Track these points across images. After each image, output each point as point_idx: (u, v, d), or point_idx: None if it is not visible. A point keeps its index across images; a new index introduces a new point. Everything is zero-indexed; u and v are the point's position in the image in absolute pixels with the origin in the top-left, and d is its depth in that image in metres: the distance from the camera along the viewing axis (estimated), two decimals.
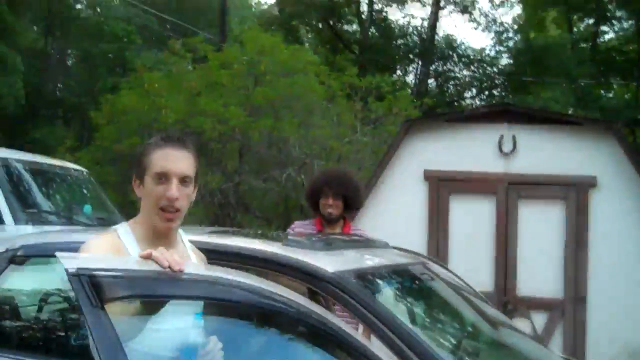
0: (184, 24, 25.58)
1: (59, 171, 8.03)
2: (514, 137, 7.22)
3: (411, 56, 24.55)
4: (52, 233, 4.15)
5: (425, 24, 24.07)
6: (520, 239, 7.11)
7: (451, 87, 24.93)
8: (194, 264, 2.47)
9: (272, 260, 2.83)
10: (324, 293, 2.73)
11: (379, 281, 3.09)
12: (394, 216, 7.37)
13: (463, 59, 24.42)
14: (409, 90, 24.15)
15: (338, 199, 4.45)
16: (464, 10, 25.00)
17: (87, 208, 7.47)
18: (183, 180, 2.43)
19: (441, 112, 11.20)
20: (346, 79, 12.66)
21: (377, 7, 24.24)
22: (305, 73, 11.97)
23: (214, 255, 2.75)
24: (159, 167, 2.40)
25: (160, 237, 2.46)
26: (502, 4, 25.58)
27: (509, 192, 7.17)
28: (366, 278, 2.91)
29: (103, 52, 29.92)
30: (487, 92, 24.44)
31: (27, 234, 4.29)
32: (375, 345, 2.55)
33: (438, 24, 23.84)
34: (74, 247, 2.65)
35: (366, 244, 3.84)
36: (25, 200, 7.06)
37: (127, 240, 2.44)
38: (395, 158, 7.49)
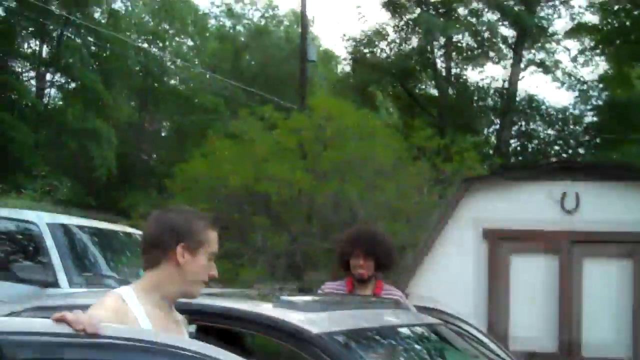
0: (267, 95, 26.37)
1: (119, 236, 8.32)
2: (576, 194, 7.04)
3: (492, 116, 24.34)
4: (66, 296, 4.20)
5: (506, 84, 23.92)
6: (584, 297, 6.87)
7: (534, 146, 24.47)
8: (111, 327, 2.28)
9: (256, 321, 2.85)
10: (305, 354, 2.68)
11: (369, 342, 3.02)
12: (453, 275, 7.26)
13: (545, 118, 24.04)
14: (490, 150, 23.98)
15: (369, 259, 4.31)
16: (546, 70, 24.69)
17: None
18: None
19: (500, 170, 11.01)
20: (415, 140, 12.71)
21: (454, 70, 24.31)
22: (373, 137, 12.10)
23: (199, 315, 2.78)
24: (215, 248, 2.58)
25: (171, 304, 2.57)
26: (585, 64, 25.16)
27: (573, 249, 6.96)
28: (354, 339, 2.86)
29: (193, 122, 31.15)
30: (570, 150, 23.88)
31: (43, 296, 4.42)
32: None
33: (519, 83, 23.65)
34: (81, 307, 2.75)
35: (379, 305, 3.77)
36: (82, 264, 7.34)
37: (133, 303, 2.46)
38: (453, 216, 7.41)
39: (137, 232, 8.59)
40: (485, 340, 4.72)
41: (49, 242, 7.19)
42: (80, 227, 7.94)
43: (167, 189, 13.80)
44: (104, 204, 26.66)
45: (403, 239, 10.76)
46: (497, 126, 24.36)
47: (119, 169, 29.15)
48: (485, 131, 25.15)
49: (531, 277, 7.05)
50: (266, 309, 2.92)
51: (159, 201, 15.71)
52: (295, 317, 2.80)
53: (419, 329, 3.53)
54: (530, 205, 7.15)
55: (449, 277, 7.23)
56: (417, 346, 3.42)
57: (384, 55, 23.88)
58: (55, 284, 6.87)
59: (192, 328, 2.84)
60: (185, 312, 2.67)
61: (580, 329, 6.80)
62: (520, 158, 23.87)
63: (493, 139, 24.85)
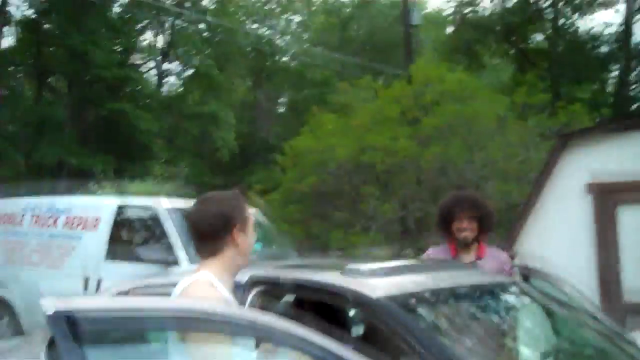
0: (375, 64, 26.40)
1: None
2: None
3: (608, 63, 23.25)
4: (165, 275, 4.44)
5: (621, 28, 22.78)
6: None
7: None
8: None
9: (322, 289, 3.08)
10: (367, 316, 2.90)
11: (430, 304, 3.17)
12: (560, 232, 7.24)
13: None
14: (611, 99, 22.99)
15: (473, 221, 4.37)
16: None
17: (258, 245, 8.14)
18: None
19: (598, 122, 10.64)
20: (518, 98, 12.50)
21: (561, 20, 23.34)
22: (474, 98, 12.00)
23: (272, 286, 3.05)
24: (252, 220, 2.85)
25: (232, 277, 2.82)
26: None
27: None
28: (414, 301, 3.03)
29: (306, 97, 31.67)
30: None
31: None
32: None
33: (634, 26, 22.43)
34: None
35: (449, 266, 3.89)
36: None
37: (220, 287, 2.70)
38: (555, 173, 7.37)
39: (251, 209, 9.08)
40: (579, 299, 4.72)
41: (168, 225, 7.79)
42: None
43: (278, 165, 14.32)
44: (229, 183, 27.78)
45: (514, 197, 10.71)
46: (616, 73, 23.26)
47: (240, 148, 30.17)
48: (602, 80, 24.00)
49: (639, 227, 6.92)
50: (331, 277, 3.16)
51: (277, 177, 16.22)
52: (356, 283, 3.02)
53: (488, 290, 3.63)
54: (632, 155, 7.00)
55: (555, 233, 7.23)
56: (483, 306, 3.53)
57: (488, 12, 23.33)
58: (176, 263, 7.45)
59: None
60: (260, 283, 2.97)
61: None
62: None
63: (610, 88, 23.77)
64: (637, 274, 6.87)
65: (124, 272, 7.33)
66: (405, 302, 3.01)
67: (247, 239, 2.78)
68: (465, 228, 4.36)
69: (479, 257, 4.41)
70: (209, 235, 2.74)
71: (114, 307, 2.23)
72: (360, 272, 3.16)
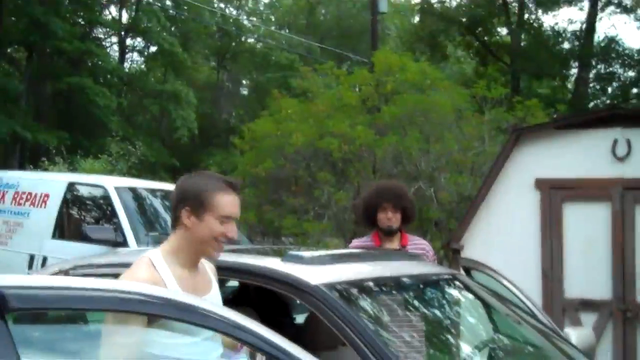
0: (340, 50, 26.39)
1: None
2: (628, 141, 6.95)
3: (569, 60, 23.56)
4: (110, 254, 4.42)
5: (583, 27, 23.10)
6: (638, 244, 6.81)
7: (613, 89, 23.60)
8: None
9: (261, 274, 3.07)
10: (307, 304, 2.90)
11: (371, 292, 3.18)
12: (507, 226, 7.34)
13: (626, 60, 23.10)
14: (570, 95, 23.33)
15: (397, 211, 4.50)
16: (626, 10, 23.64)
17: None
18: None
19: (551, 119, 10.77)
20: (478, 91, 12.60)
21: (526, 16, 23.57)
22: (434, 89, 12.09)
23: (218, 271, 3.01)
24: (227, 212, 2.67)
25: (193, 264, 2.72)
26: None
27: (625, 197, 6.89)
28: (354, 289, 3.05)
29: (270, 80, 31.52)
30: None
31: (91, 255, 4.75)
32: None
33: (597, 25, 22.79)
34: (119, 265, 3.04)
35: (393, 256, 3.92)
36: (149, 224, 7.82)
37: (160, 265, 2.66)
38: (505, 167, 7.45)
39: None
40: (517, 292, 4.80)
41: (117, 205, 7.71)
42: (148, 190, 8.43)
43: (236, 148, 14.26)
44: (187, 165, 27.61)
45: (467, 190, 10.83)
46: (575, 70, 23.61)
47: (201, 130, 29.93)
48: (563, 77, 24.33)
49: (584, 225, 7.04)
50: (272, 263, 3.15)
51: (236, 160, 16.14)
52: (297, 270, 3.02)
53: (427, 280, 3.67)
54: (581, 153, 7.11)
55: (503, 227, 7.31)
56: (421, 296, 3.58)
57: (454, 4, 23.47)
58: (124, 244, 7.38)
59: None
60: None
61: (635, 276, 6.76)
62: (598, 101, 23.10)
63: (570, 85, 24.13)
64: (580, 270, 7.00)
65: (71, 251, 7.22)
66: (345, 291, 3.01)
67: (201, 227, 2.66)
68: (390, 218, 4.48)
69: (402, 246, 4.54)
70: (171, 207, 2.76)
71: (44, 285, 2.17)
72: (301, 259, 3.16)
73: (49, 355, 2.37)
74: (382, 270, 3.50)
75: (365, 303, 3.11)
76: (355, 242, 4.79)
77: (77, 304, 2.18)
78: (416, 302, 3.52)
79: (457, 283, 3.84)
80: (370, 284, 3.25)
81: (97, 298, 2.18)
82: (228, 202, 2.68)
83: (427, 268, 3.94)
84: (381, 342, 2.79)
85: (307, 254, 3.26)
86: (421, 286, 3.63)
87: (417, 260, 4.05)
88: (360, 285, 3.17)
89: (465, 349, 3.68)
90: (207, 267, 2.88)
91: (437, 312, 3.67)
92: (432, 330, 3.50)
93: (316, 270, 3.06)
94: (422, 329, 3.45)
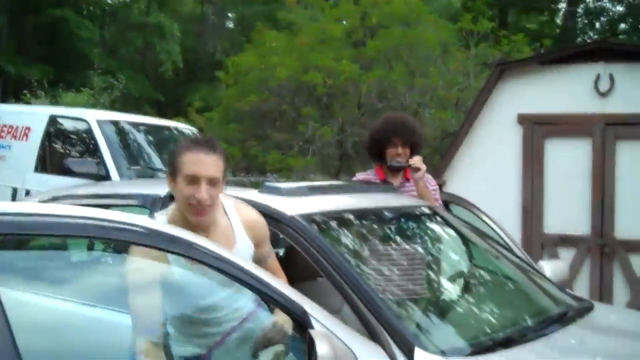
0: None
1: (168, 131, 8.74)
2: (610, 76, 6.95)
3: None
4: (90, 185, 4.44)
5: None
6: (617, 180, 6.89)
7: (601, 24, 23.38)
8: None
9: None
10: (284, 235, 2.90)
11: (347, 225, 3.18)
12: (489, 161, 7.38)
13: None
14: (558, 30, 23.09)
15: (407, 147, 4.30)
16: None
17: None
18: (211, 182, 2.59)
19: (535, 54, 10.68)
20: (463, 25, 12.46)
21: None
22: (420, 23, 11.94)
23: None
24: (191, 170, 2.57)
25: (195, 228, 2.61)
26: None
27: (606, 132, 6.93)
28: (331, 221, 3.05)
29: (256, 13, 30.88)
30: None
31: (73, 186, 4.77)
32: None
33: None
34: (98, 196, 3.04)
35: (372, 189, 3.94)
36: (132, 158, 7.82)
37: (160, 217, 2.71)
38: (488, 103, 7.45)
39: (188, 128, 8.97)
40: (494, 226, 4.87)
41: (99, 138, 7.68)
42: (131, 124, 8.40)
43: (221, 82, 14.13)
44: (172, 99, 27.34)
45: (451, 126, 10.83)
46: (564, 4, 23.33)
47: (185, 64, 29.48)
48: (551, 11, 24.03)
49: (565, 160, 7.09)
50: (249, 194, 3.14)
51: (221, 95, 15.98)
52: (274, 201, 3.03)
53: (405, 212, 3.68)
54: (564, 89, 7.11)
55: (485, 162, 7.36)
56: (400, 230, 3.58)
57: None
58: (107, 177, 7.38)
59: None
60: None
61: (614, 212, 6.85)
62: (585, 37, 22.91)
63: (558, 20, 23.88)
64: (559, 206, 7.07)
65: (53, 185, 7.21)
66: (323, 222, 3.01)
67: (178, 191, 2.64)
68: (400, 153, 4.29)
69: (407, 180, 4.40)
70: None
71: (27, 212, 2.19)
72: (278, 190, 3.16)
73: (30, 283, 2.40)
74: (360, 202, 3.50)
75: (342, 234, 3.13)
76: (359, 175, 4.63)
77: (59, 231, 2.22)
78: (394, 234, 3.52)
79: (437, 217, 3.86)
80: (348, 215, 3.25)
81: (79, 225, 2.22)
82: (190, 160, 2.59)
83: (406, 201, 3.96)
84: (357, 273, 2.81)
85: (284, 185, 3.26)
86: (399, 219, 3.64)
87: (395, 193, 4.07)
88: (337, 216, 3.17)
89: (442, 280, 3.75)
90: (235, 224, 2.80)
91: (415, 245, 3.69)
92: (409, 262, 3.53)
93: (293, 202, 3.07)
94: (400, 261, 3.47)
